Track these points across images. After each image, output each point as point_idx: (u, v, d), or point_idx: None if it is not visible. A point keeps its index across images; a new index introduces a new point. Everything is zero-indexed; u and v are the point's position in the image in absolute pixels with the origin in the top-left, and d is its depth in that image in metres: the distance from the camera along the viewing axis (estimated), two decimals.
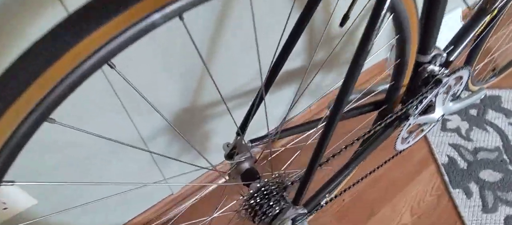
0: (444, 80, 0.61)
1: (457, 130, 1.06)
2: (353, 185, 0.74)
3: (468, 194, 0.91)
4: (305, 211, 0.50)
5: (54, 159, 0.58)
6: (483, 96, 0.81)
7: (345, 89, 0.40)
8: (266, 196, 0.48)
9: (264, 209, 0.47)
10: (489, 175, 0.95)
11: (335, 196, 0.68)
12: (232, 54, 0.67)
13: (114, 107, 0.59)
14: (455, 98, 0.77)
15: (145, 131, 0.67)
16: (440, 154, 1.00)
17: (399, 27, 0.50)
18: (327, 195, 0.56)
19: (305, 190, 0.45)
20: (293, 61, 0.83)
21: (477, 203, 0.89)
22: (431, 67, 0.61)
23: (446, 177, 0.95)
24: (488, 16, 0.66)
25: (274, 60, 0.49)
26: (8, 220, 0.59)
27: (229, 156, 0.56)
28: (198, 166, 0.48)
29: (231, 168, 0.54)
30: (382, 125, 0.64)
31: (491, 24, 0.79)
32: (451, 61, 0.71)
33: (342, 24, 0.47)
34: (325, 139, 0.41)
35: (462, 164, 0.97)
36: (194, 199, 0.75)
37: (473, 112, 1.11)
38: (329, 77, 1.01)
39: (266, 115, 0.41)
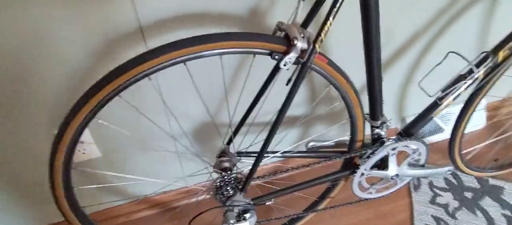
0: (386, 142, 0.79)
1: (445, 206, 1.13)
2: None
3: None
4: (250, 201, 0.73)
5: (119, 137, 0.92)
6: (448, 173, 0.93)
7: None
8: (226, 183, 0.73)
9: (222, 190, 0.72)
10: None
11: None
12: None
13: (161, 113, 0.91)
14: (418, 165, 0.91)
15: (175, 132, 0.99)
16: (419, 221, 1.09)
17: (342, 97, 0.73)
18: (272, 199, 0.78)
19: (249, 180, 0.69)
20: None
21: None
22: (377, 130, 0.80)
23: None
24: (444, 102, 0.82)
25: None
26: (82, 162, 0.94)
27: (219, 156, 0.83)
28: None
29: (215, 163, 0.81)
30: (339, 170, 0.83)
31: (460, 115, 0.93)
32: (412, 133, 0.87)
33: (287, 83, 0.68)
34: (266, 143, 0.66)
35: None
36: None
37: (469, 195, 1.16)
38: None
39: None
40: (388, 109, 1.23)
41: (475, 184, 1.19)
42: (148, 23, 0.74)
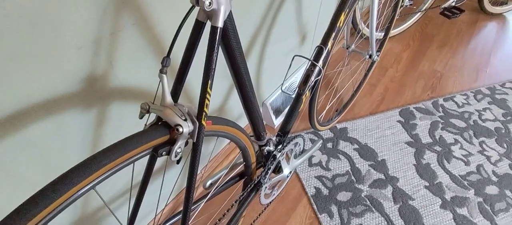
0: (278, 155, 0.84)
1: (319, 164, 1.35)
2: None
3: (331, 216, 1.18)
4: None
5: None
6: (320, 146, 1.09)
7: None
8: None
9: None
10: (343, 196, 1.24)
11: None
12: None
13: None
14: (299, 154, 1.02)
15: None
16: (309, 187, 1.26)
17: (232, 140, 0.70)
18: None
19: None
20: None
21: (338, 222, 1.17)
22: (267, 148, 0.83)
23: (314, 206, 1.21)
24: (304, 96, 0.93)
25: None
26: None
27: None
28: None
29: None
30: (244, 194, 0.83)
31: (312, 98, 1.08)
32: (288, 130, 0.95)
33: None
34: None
35: (325, 192, 1.26)
36: None
37: (330, 145, 1.43)
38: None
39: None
40: None
41: (330, 134, 1.47)
42: None
